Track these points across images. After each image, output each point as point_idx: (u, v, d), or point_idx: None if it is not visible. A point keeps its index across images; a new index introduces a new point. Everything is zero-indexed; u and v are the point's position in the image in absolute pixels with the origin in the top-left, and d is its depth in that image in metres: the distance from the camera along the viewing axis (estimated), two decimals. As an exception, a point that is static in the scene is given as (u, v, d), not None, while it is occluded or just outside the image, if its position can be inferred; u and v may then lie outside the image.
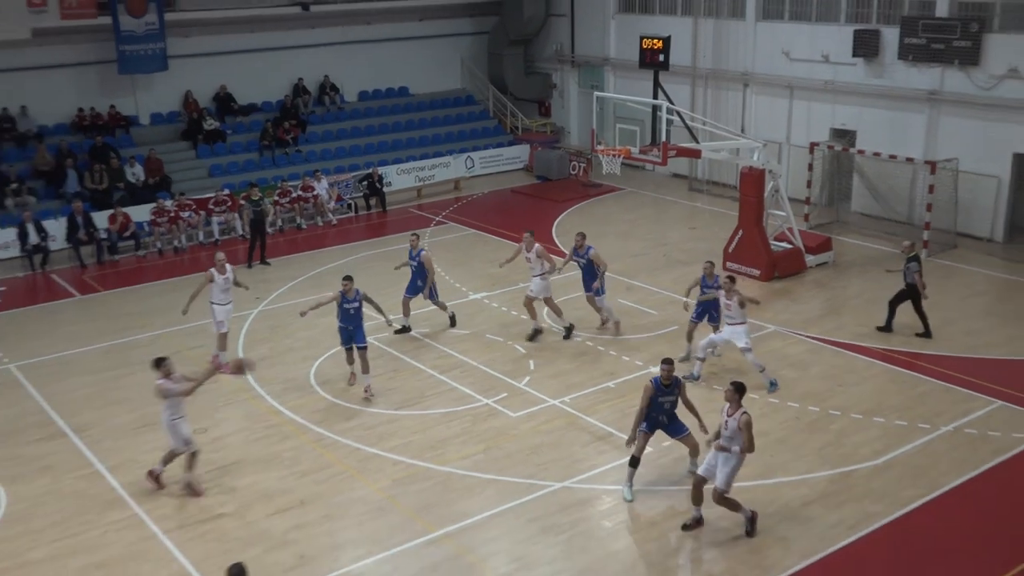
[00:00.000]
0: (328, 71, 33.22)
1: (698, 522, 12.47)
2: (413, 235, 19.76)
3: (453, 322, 19.49)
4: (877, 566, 11.85)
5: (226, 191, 26.74)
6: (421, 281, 18.95)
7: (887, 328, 18.59)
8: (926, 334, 18.35)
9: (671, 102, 22.28)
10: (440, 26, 35.58)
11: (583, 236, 18.64)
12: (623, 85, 32.58)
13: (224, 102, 30.96)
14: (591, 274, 18.53)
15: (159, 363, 13.44)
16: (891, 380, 16.85)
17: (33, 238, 24.02)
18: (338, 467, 14.29)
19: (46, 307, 21.75)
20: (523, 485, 13.66)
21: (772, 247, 22.20)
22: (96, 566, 12.13)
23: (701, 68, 30.44)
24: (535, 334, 18.75)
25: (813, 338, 18.62)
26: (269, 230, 25.37)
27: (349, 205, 28.81)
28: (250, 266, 23.80)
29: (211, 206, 26.25)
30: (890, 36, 25.43)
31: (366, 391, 16.43)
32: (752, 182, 21.91)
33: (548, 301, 18.81)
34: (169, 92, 30.20)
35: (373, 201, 28.99)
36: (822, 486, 13.47)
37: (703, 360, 16.81)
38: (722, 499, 12.17)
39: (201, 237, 26.11)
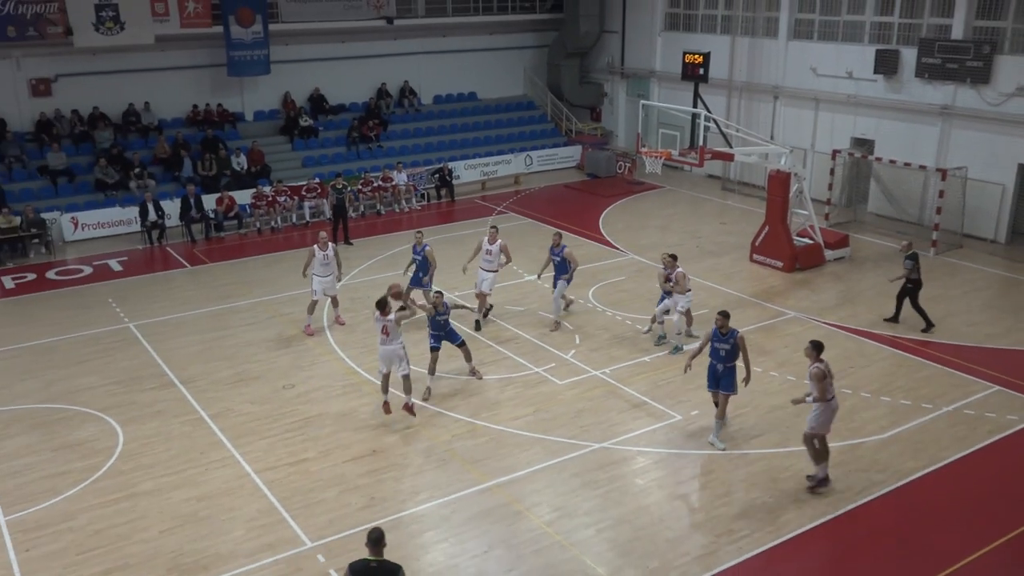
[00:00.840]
0: (408, 77, 33.25)
1: (821, 482, 12.41)
2: (418, 232, 18.79)
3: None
4: (881, 528, 11.62)
5: (317, 180, 26.91)
6: (423, 273, 18.15)
7: (894, 319, 18.19)
8: (928, 327, 17.85)
9: (708, 111, 21.99)
10: (506, 40, 35.40)
11: (559, 235, 18.11)
12: (666, 95, 32.15)
13: (317, 102, 31.14)
14: (563, 270, 17.82)
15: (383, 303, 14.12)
16: (898, 364, 16.49)
17: (152, 216, 24.42)
18: (406, 422, 14.36)
19: (161, 276, 22.12)
20: (566, 444, 13.62)
21: (795, 242, 21.84)
22: (196, 499, 12.33)
23: (736, 81, 29.93)
24: (487, 314, 18.38)
25: (829, 324, 18.27)
26: (352, 215, 25.50)
27: (423, 195, 28.85)
28: (335, 245, 23.93)
29: (303, 192, 26.45)
30: (908, 56, 24.79)
31: (474, 373, 15.95)
32: (779, 184, 21.55)
33: (481, 296, 18.20)
34: (270, 93, 30.44)
35: (443, 192, 29.00)
36: (832, 456, 13.18)
37: (658, 323, 17.22)
38: (805, 440, 12.37)
39: (294, 219, 26.33)
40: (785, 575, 10.89)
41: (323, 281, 18.08)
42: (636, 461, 13.26)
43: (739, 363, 13.52)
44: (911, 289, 17.82)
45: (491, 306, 18.72)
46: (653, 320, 17.40)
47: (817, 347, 12.26)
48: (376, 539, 8.51)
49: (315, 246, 18.10)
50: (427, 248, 18.47)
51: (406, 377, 14.23)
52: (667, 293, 17.01)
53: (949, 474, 12.89)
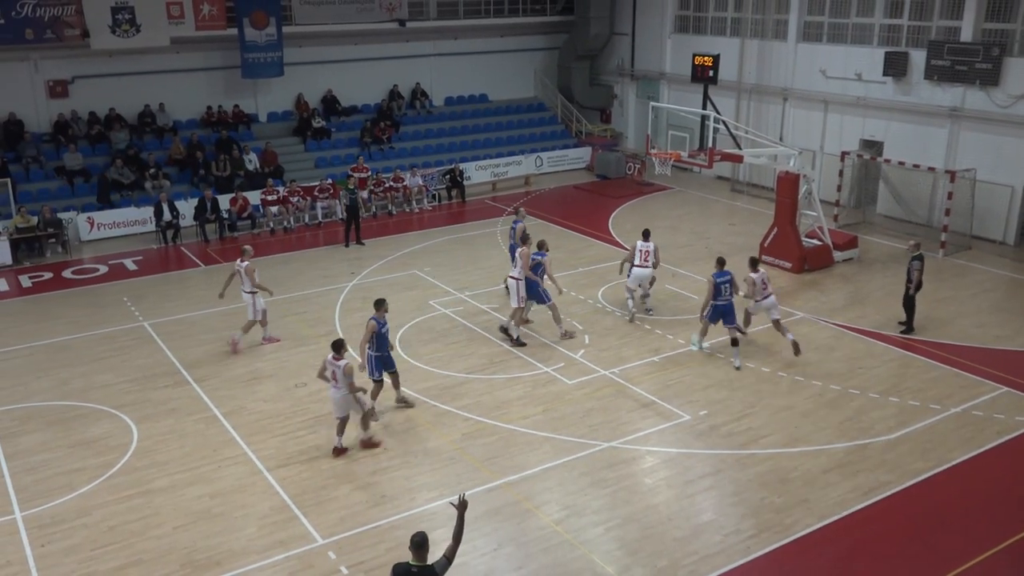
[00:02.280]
0: (420, 79, 33.29)
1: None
2: (517, 209, 19.71)
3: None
4: (888, 529, 11.57)
5: (329, 180, 26.95)
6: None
7: (909, 328, 17.67)
8: (908, 328, 17.59)
9: (718, 113, 21.99)
10: (517, 42, 35.40)
11: (540, 244, 17.45)
12: (676, 97, 32.09)
13: (330, 104, 31.20)
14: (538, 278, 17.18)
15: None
16: (906, 365, 16.41)
17: (167, 216, 24.50)
18: (416, 420, 14.37)
19: (175, 275, 22.20)
20: (575, 443, 13.60)
21: (804, 243, 21.76)
22: (210, 496, 12.37)
23: (746, 83, 29.84)
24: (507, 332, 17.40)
25: (838, 325, 18.20)
26: (364, 215, 25.52)
27: (434, 196, 28.86)
28: (347, 245, 24.00)
29: (316, 193, 26.50)
30: (918, 58, 24.67)
31: (403, 402, 14.82)
32: (788, 185, 21.48)
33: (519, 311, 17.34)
34: (284, 94, 30.52)
35: (454, 193, 29.01)
36: (840, 456, 13.18)
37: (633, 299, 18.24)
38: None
39: (306, 219, 26.38)
40: (793, 575, 10.84)
41: (256, 297, 17.07)
42: (645, 460, 13.23)
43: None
44: (908, 293, 17.56)
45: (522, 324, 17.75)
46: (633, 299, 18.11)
47: (753, 262, 16.23)
48: (419, 543, 8.28)
49: (240, 261, 17.08)
50: (519, 224, 18.88)
51: (367, 414, 13.38)
52: (727, 320, 16.39)
53: (957, 475, 12.81)
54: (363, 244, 24.17)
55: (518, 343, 17.13)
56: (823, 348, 17.07)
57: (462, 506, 8.53)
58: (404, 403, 14.78)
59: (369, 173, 27.14)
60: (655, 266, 18.24)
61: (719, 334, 17.58)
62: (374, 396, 14.27)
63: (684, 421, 14.28)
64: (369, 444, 13.49)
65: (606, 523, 11.66)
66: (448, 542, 8.49)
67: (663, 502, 12.15)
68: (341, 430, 13.34)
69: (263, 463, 13.14)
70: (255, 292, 17.08)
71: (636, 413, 14.57)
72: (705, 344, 16.98)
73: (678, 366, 16.29)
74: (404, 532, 11.46)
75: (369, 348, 14.10)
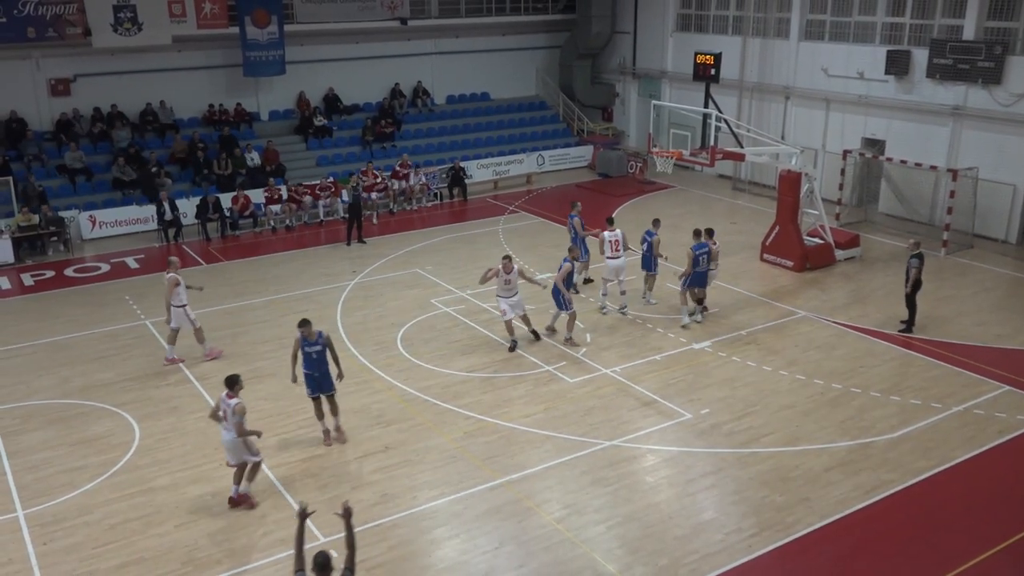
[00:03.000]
0: (421, 77, 33.28)
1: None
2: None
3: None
4: (890, 528, 11.55)
5: (331, 179, 26.95)
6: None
7: (909, 327, 17.64)
8: (908, 328, 17.54)
9: (720, 111, 21.90)
10: (519, 40, 35.37)
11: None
12: (678, 95, 32.05)
13: (331, 102, 31.18)
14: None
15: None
16: (908, 364, 16.39)
17: (168, 214, 24.49)
18: (418, 419, 14.37)
19: (177, 273, 22.15)
20: (576, 442, 13.59)
21: (805, 242, 21.74)
22: (211, 494, 12.37)
23: (748, 81, 29.81)
24: (513, 345, 16.89)
25: (839, 324, 18.18)
26: (367, 213, 25.49)
27: (435, 194, 28.86)
28: (349, 244, 24.00)
29: (318, 191, 26.48)
30: (920, 56, 24.62)
31: (337, 433, 13.77)
32: (789, 184, 21.45)
33: (523, 317, 17.08)
34: (285, 93, 30.51)
35: (456, 191, 29.00)
36: (842, 455, 13.17)
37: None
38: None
39: (306, 218, 26.34)
40: (794, 574, 10.83)
41: (185, 311, 16.45)
42: (646, 459, 13.22)
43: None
44: (915, 287, 17.50)
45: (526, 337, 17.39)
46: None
47: (709, 232, 17.87)
48: (322, 564, 7.83)
49: (171, 273, 16.42)
50: (575, 218, 19.83)
51: (256, 466, 12.16)
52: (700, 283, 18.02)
53: (959, 474, 12.79)
54: (365, 242, 24.15)
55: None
56: (825, 347, 17.05)
57: (347, 514, 8.35)
58: (335, 434, 13.65)
59: (378, 180, 27.04)
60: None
61: (723, 332, 17.59)
62: (318, 416, 13.57)
63: (685, 420, 14.28)
64: (242, 501, 12.01)
65: (607, 521, 11.65)
66: (346, 551, 8.13)
67: (664, 501, 12.14)
68: (238, 478, 12.04)
69: (265, 461, 13.07)
70: (186, 304, 16.40)
71: (637, 412, 14.56)
72: (699, 318, 18.07)
73: (680, 365, 16.28)
74: (406, 531, 11.48)
75: (304, 368, 13.32)
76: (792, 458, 13.12)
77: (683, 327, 17.85)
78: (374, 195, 26.58)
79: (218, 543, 11.31)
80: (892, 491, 12.30)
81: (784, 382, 15.59)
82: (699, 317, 18.17)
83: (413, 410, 14.68)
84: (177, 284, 16.32)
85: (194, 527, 11.64)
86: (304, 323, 13.29)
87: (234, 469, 12.08)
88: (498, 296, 16.94)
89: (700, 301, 18.21)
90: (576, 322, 17.30)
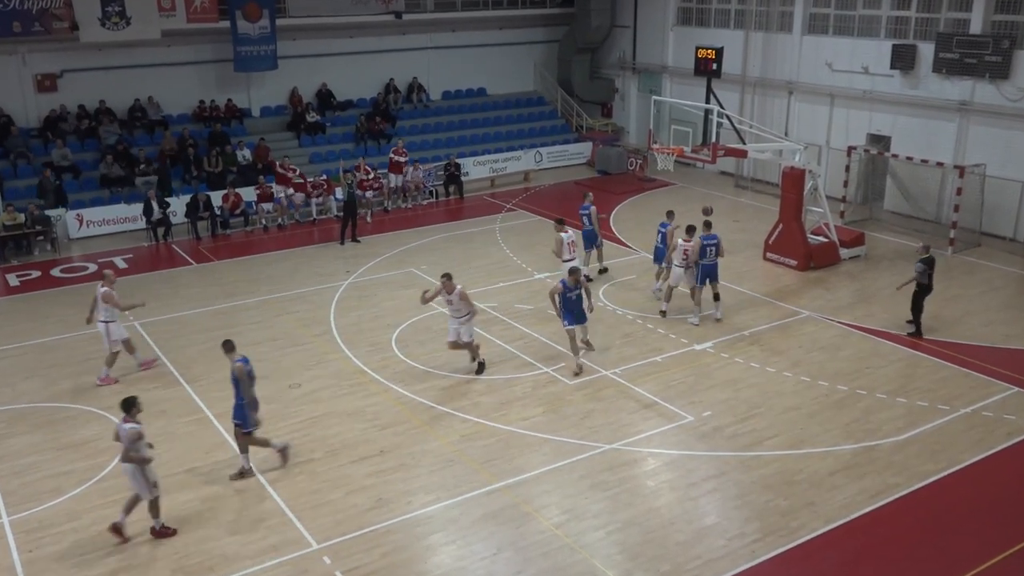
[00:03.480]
0: (416, 72, 33.24)
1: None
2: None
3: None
4: (897, 533, 11.54)
5: (324, 176, 26.90)
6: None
7: (917, 332, 17.49)
8: (916, 332, 17.42)
9: (722, 107, 21.89)
10: (516, 35, 35.37)
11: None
12: (679, 90, 32.01)
13: (325, 98, 31.15)
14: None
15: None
16: (914, 365, 16.39)
17: (156, 213, 24.43)
18: (414, 422, 14.34)
19: (166, 273, 22.14)
20: (576, 445, 13.57)
21: (809, 240, 21.74)
22: (202, 500, 12.34)
23: (750, 76, 29.81)
24: (480, 368, 15.99)
25: (844, 324, 18.17)
26: (360, 211, 25.42)
27: (431, 192, 28.83)
28: (342, 243, 23.98)
29: (310, 189, 26.42)
30: (926, 51, 24.63)
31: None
32: (793, 181, 21.45)
33: (467, 345, 15.95)
34: (277, 88, 30.47)
35: (452, 189, 28.97)
36: (847, 458, 13.17)
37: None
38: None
39: (298, 216, 26.26)
40: (799, 579, 10.83)
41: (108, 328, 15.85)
42: (647, 463, 13.21)
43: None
44: (918, 292, 17.42)
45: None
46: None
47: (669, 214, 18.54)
48: None
49: (100, 286, 15.90)
50: (590, 208, 20.19)
51: (153, 503, 11.52)
52: (713, 278, 18.13)
53: (967, 477, 12.79)
54: (359, 241, 24.12)
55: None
56: (829, 348, 17.05)
57: None
58: (241, 476, 12.83)
59: (370, 175, 26.95)
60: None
61: (725, 332, 17.59)
62: (242, 449, 12.91)
63: (687, 422, 14.26)
64: (162, 533, 11.54)
65: (607, 527, 11.64)
66: None
67: (665, 505, 12.13)
68: (130, 507, 11.47)
69: (256, 465, 13.08)
70: (110, 321, 15.78)
71: (638, 414, 14.55)
72: (718, 314, 18.11)
73: (681, 366, 16.27)
74: (401, 536, 11.46)
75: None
76: (796, 461, 13.11)
77: (692, 324, 17.93)
78: (369, 194, 26.53)
79: (209, 549, 11.28)
80: (899, 495, 12.29)
81: (788, 384, 15.58)
82: (718, 314, 18.20)
83: (408, 413, 14.66)
84: (109, 300, 15.69)
85: (184, 533, 11.61)
86: (228, 344, 12.91)
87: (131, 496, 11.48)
88: (449, 316, 15.95)
89: (717, 296, 18.20)
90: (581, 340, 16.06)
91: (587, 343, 16.17)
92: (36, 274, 22.12)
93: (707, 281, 18.04)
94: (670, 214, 19.51)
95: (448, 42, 33.76)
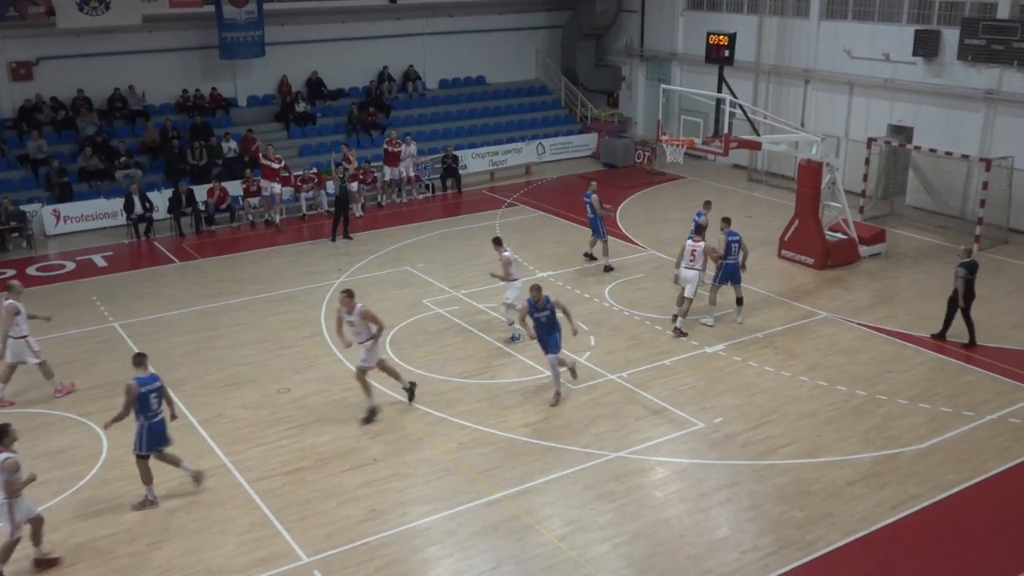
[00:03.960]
0: (412, 60, 33.28)
1: None
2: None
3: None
4: (918, 546, 11.56)
5: (314, 169, 26.93)
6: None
7: (941, 335, 17.38)
8: (970, 342, 17.16)
9: (734, 96, 22.00)
10: (517, 19, 35.41)
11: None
12: (689, 79, 32.07)
13: (315, 87, 31.18)
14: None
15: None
16: (938, 369, 16.40)
17: (138, 208, 24.45)
18: (409, 429, 14.37)
19: (148, 272, 22.15)
20: (580, 453, 13.60)
21: (827, 237, 21.76)
22: (185, 510, 12.36)
23: (764, 64, 29.84)
24: (371, 415, 14.61)
25: (864, 325, 18.19)
26: (352, 207, 25.40)
27: (427, 186, 28.86)
28: (334, 240, 24.01)
29: (299, 183, 26.45)
30: (950, 36, 24.66)
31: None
32: (810, 174, 21.48)
33: (381, 365, 14.81)
34: (265, 77, 30.48)
35: (449, 183, 28.99)
36: (866, 467, 13.19)
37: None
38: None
39: (284, 213, 26.13)
40: (815, 595, 10.86)
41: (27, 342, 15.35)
42: (655, 472, 13.23)
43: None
44: (954, 299, 17.21)
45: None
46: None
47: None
48: None
49: (10, 300, 15.29)
50: (592, 196, 20.60)
51: (10, 546, 10.99)
52: (735, 279, 18.10)
53: (993, 487, 12.80)
54: (351, 238, 24.15)
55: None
56: (848, 350, 17.07)
57: None
58: (144, 505, 12.41)
59: (354, 164, 26.77)
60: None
61: (737, 334, 17.60)
62: (145, 481, 12.39)
63: (698, 429, 14.28)
64: (44, 563, 11.28)
65: (613, 539, 11.66)
66: None
67: (675, 517, 12.15)
68: (35, 536, 11.22)
69: (243, 475, 13.12)
70: (26, 336, 15.38)
71: (645, 421, 14.57)
72: (739, 318, 18.23)
73: (691, 370, 16.29)
74: (396, 549, 11.48)
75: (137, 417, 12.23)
76: (813, 471, 13.13)
77: (705, 325, 17.99)
78: (354, 186, 26.09)
79: (193, 564, 11.30)
80: (920, 506, 12.31)
81: (804, 389, 15.60)
82: (739, 318, 18.23)
83: (404, 419, 14.68)
84: (17, 313, 15.18)
85: (167, 546, 11.63)
86: (140, 357, 12.58)
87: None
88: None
89: (740, 300, 18.19)
90: (565, 369, 15.34)
91: (571, 370, 15.34)
92: (10, 272, 22.08)
93: (728, 282, 18.02)
94: (707, 204, 20.34)
95: (445, 27, 33.80)
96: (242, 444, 13.97)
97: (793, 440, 13.96)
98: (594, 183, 21.55)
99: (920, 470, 13.13)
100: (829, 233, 22.01)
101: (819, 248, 21.45)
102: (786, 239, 22.12)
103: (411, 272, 21.42)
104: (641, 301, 19.38)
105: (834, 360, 16.64)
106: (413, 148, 28.09)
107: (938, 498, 12.48)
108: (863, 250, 22.10)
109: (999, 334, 17.72)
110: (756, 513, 12.18)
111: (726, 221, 18.18)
